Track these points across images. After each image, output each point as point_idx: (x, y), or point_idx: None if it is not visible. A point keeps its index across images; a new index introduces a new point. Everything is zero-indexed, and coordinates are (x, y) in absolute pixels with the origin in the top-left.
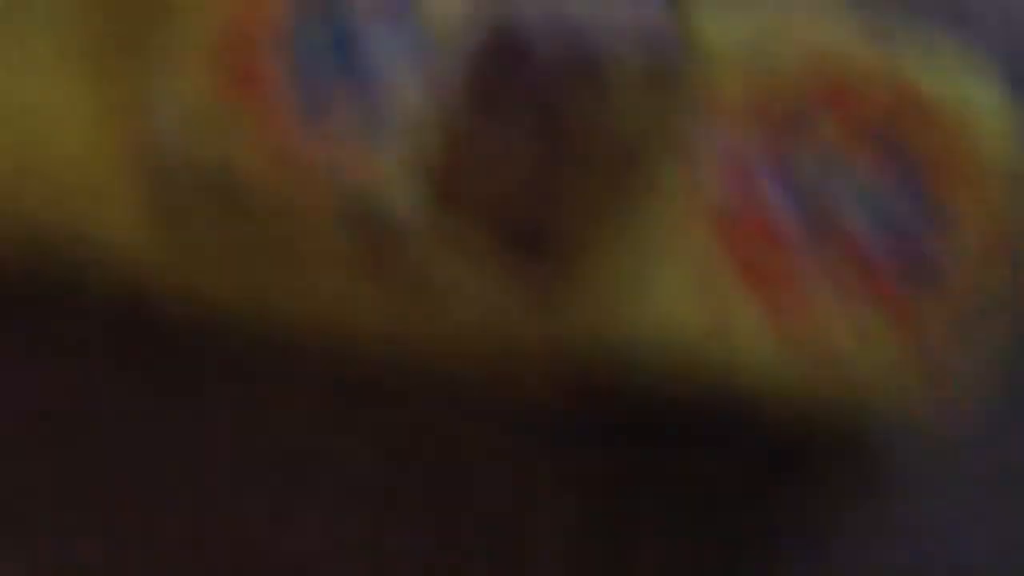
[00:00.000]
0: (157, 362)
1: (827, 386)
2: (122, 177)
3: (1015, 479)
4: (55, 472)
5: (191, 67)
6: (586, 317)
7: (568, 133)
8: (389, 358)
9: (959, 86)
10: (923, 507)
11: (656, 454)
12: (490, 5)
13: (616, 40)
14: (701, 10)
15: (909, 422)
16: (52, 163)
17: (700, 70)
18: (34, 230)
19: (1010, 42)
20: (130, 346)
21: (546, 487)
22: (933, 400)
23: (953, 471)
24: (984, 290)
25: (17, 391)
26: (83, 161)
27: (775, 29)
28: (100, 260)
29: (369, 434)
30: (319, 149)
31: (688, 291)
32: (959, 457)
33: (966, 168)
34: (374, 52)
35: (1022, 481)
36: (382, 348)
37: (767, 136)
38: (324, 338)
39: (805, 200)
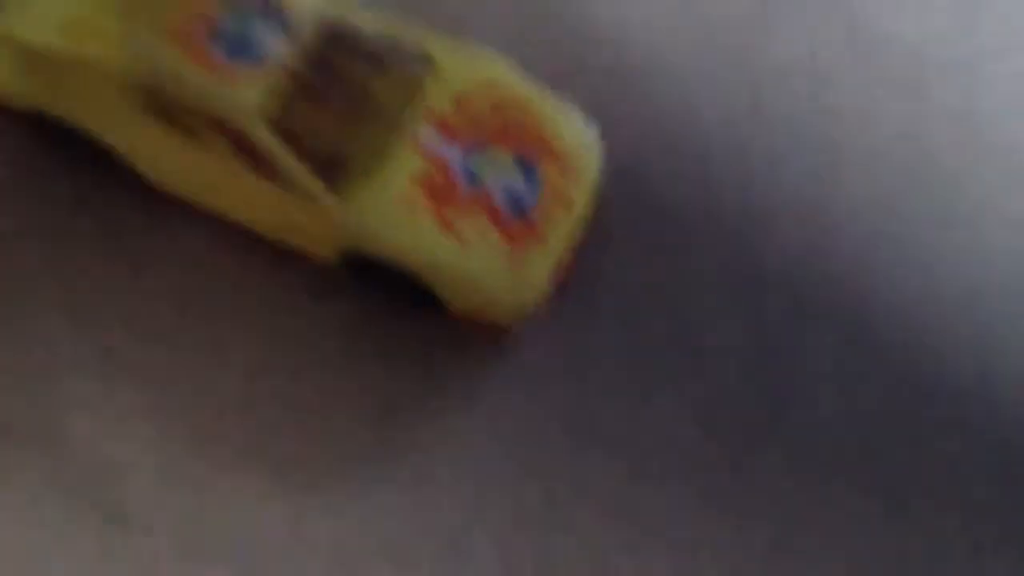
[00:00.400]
0: None
1: (461, 264)
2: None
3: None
4: None
5: (165, 32)
6: (353, 211)
7: (359, 98)
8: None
9: (566, 118)
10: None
11: (383, 297)
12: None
13: (394, 52)
14: (442, 53)
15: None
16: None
17: (433, 83)
18: None
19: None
20: None
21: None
22: (522, 282)
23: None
24: (559, 224)
25: None
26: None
27: (474, 67)
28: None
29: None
30: (222, 71)
31: (403, 207)
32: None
33: (562, 165)
34: (259, 29)
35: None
36: (222, 205)
37: (455, 127)
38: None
39: (471, 170)
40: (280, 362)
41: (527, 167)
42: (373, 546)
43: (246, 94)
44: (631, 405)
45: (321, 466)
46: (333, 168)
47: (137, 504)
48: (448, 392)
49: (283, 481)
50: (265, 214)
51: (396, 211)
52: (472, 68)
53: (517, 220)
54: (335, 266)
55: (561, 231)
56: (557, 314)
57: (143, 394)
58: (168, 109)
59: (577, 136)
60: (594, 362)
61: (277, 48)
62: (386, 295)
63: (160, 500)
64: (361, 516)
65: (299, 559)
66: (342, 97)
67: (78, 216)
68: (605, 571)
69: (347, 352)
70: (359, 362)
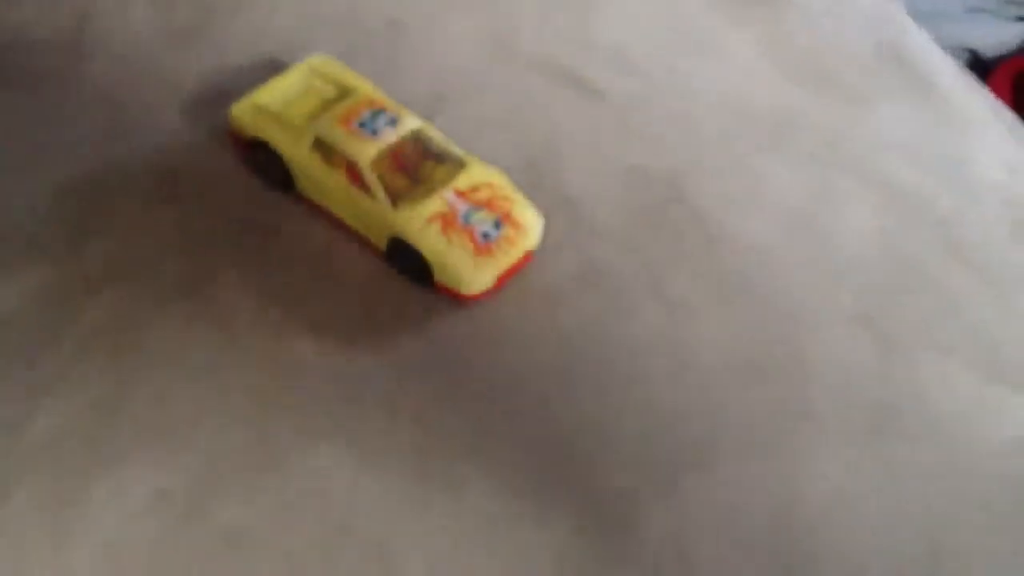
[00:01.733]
0: None
1: (447, 255)
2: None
3: None
4: None
5: (335, 117)
6: (401, 217)
7: (419, 171)
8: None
9: (528, 209)
10: None
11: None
12: None
13: (444, 153)
14: (470, 161)
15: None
16: None
17: (461, 167)
18: None
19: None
20: None
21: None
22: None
23: None
24: (506, 253)
25: None
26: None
27: (484, 172)
28: None
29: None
30: (356, 136)
31: (427, 222)
32: None
33: (517, 228)
34: (380, 121)
35: None
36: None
37: (466, 195)
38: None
39: (467, 216)
40: (346, 297)
41: (498, 223)
42: None
43: (365, 152)
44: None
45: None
46: (397, 196)
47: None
48: (423, 321)
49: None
50: (357, 216)
51: (422, 224)
52: (483, 172)
53: (483, 244)
54: (383, 250)
55: (506, 257)
56: (493, 299)
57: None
58: (325, 151)
59: (530, 219)
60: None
61: (387, 133)
62: (404, 268)
63: None
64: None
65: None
66: (411, 167)
67: (262, 210)
68: None
69: (383, 286)
70: (390, 288)
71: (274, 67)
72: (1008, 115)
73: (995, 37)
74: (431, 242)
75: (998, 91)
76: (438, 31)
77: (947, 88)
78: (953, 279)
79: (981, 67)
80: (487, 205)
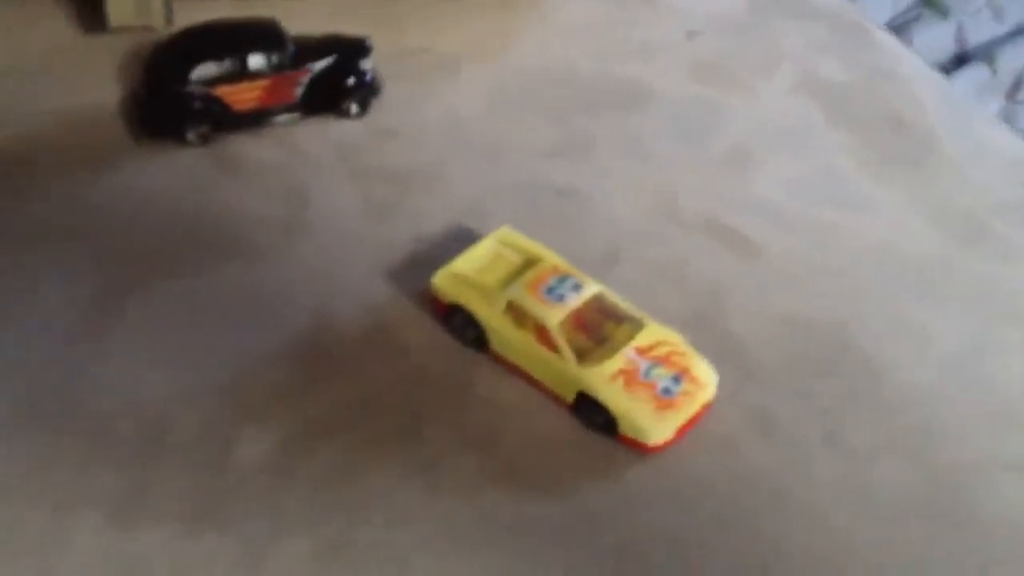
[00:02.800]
0: None
1: (630, 410)
2: None
3: None
4: None
5: (526, 285)
6: (587, 375)
7: (602, 332)
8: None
9: (702, 364)
10: None
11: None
12: None
13: (624, 315)
14: (647, 322)
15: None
16: None
17: (640, 327)
18: None
19: None
20: None
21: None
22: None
23: None
24: (686, 407)
25: None
26: None
27: (661, 331)
28: None
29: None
30: (545, 304)
31: (610, 379)
32: None
33: (695, 383)
34: (566, 288)
35: None
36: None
37: (646, 352)
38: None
39: (648, 373)
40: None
41: (677, 378)
42: None
43: (554, 316)
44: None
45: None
46: (582, 355)
47: None
48: (606, 466)
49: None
50: (545, 373)
51: (607, 380)
52: (660, 331)
53: (664, 399)
54: (569, 403)
55: (686, 410)
56: (674, 449)
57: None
58: (516, 314)
59: (706, 374)
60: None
61: (571, 298)
62: (590, 421)
63: None
64: None
65: None
66: (594, 328)
67: (460, 368)
68: None
69: (571, 439)
70: (578, 441)
71: (463, 235)
72: None
73: None
74: (616, 397)
75: None
76: (605, 195)
77: None
78: None
79: None
80: (666, 361)
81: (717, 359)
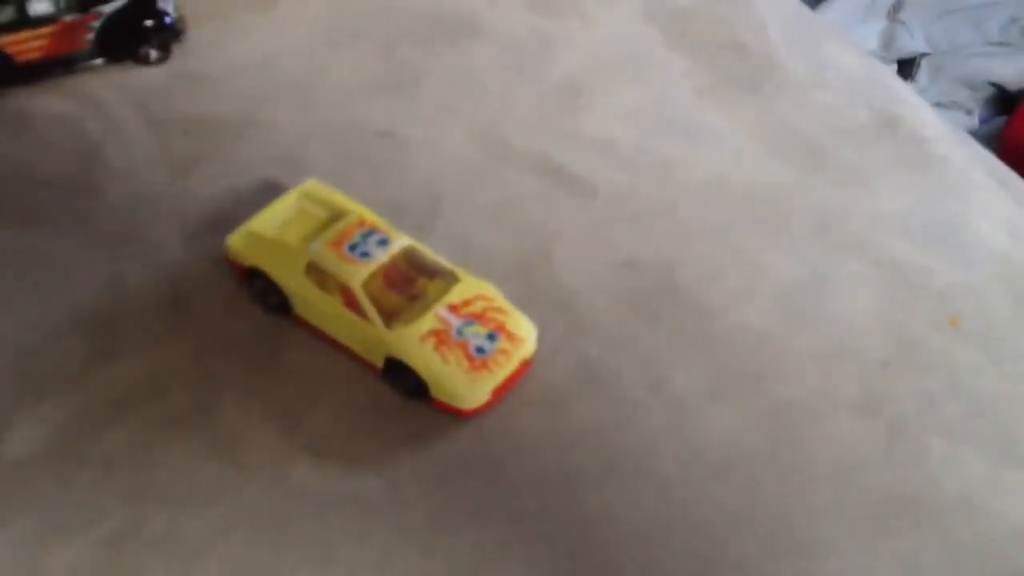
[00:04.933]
0: None
1: (443, 372)
2: None
3: None
4: None
5: (327, 241)
6: (396, 337)
7: (413, 288)
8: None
9: (521, 319)
10: None
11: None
12: None
13: (437, 269)
14: (462, 276)
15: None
16: None
17: (453, 282)
18: None
19: None
20: None
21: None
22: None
23: None
24: (501, 366)
25: None
26: None
27: (477, 285)
28: None
29: None
30: (347, 260)
31: (420, 340)
32: None
33: (512, 340)
34: (371, 244)
35: None
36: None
37: (459, 309)
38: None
39: (461, 331)
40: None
41: (493, 336)
42: None
43: (357, 275)
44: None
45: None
46: (391, 316)
47: None
48: (423, 437)
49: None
50: (351, 337)
51: (416, 342)
52: (475, 285)
53: (478, 359)
54: (380, 369)
55: (501, 370)
56: (493, 410)
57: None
58: (318, 275)
59: (524, 329)
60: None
61: (378, 254)
62: (402, 386)
63: None
64: None
65: None
66: (404, 286)
67: (262, 336)
68: None
69: (383, 405)
70: (390, 407)
71: (273, 188)
72: (1011, 176)
73: (1019, 70)
74: (426, 360)
75: (1022, 125)
76: (430, 136)
77: (944, 154)
78: (957, 357)
79: (1008, 101)
80: (480, 318)
81: (543, 311)
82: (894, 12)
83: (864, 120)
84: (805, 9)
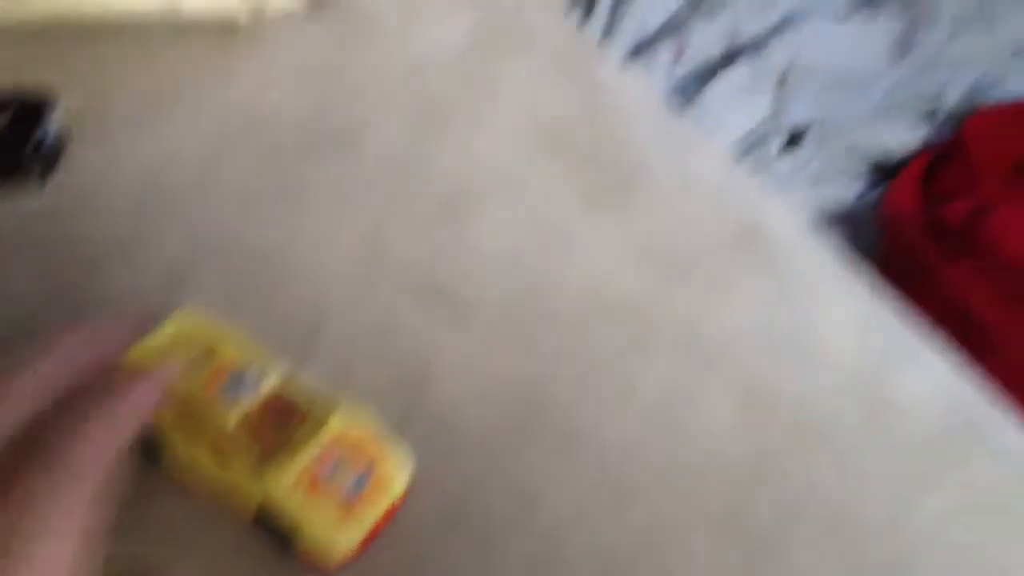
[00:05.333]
0: None
1: (310, 522)
2: None
3: None
4: None
5: (197, 387)
6: (263, 484)
7: (283, 432)
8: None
9: (395, 454)
10: None
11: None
12: None
13: (311, 407)
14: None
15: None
16: None
17: (329, 414)
18: None
19: None
20: None
21: None
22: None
23: None
24: (372, 509)
25: None
26: None
27: (348, 418)
28: None
29: None
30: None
31: (297, 492)
32: None
33: (384, 480)
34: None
35: None
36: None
37: (333, 446)
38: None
39: (332, 473)
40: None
41: (363, 477)
42: None
43: (227, 419)
44: None
45: None
46: (263, 460)
47: None
48: None
49: None
50: (222, 485)
51: (287, 488)
52: (351, 419)
53: (350, 501)
54: (252, 517)
55: (372, 513)
56: (361, 561)
57: None
58: (188, 419)
59: (394, 469)
60: None
61: (249, 397)
62: (272, 536)
63: None
64: None
65: None
66: (276, 428)
67: (130, 485)
68: None
69: (252, 557)
70: (259, 560)
71: (156, 315)
72: (861, 281)
73: (902, 139)
74: (293, 509)
75: (903, 196)
76: (311, 255)
77: (800, 263)
78: (810, 469)
79: (892, 170)
80: (353, 454)
81: (421, 437)
82: (780, 85)
83: (725, 231)
84: (675, 118)
